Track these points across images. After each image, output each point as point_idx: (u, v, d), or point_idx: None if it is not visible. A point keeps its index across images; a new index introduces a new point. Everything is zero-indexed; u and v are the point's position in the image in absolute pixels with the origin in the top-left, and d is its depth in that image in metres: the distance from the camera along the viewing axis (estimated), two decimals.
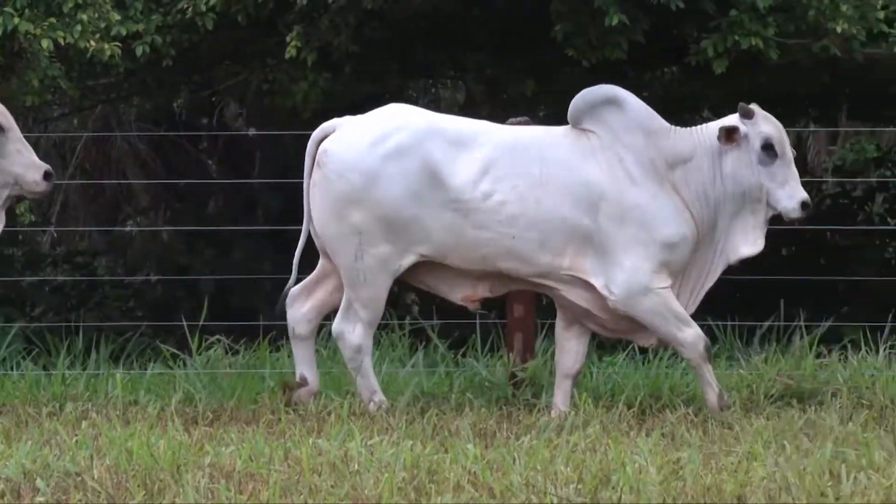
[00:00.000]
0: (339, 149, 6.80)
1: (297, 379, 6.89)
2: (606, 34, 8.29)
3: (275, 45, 9.07)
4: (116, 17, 8.33)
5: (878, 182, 11.58)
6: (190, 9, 8.52)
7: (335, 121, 6.88)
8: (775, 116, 8.11)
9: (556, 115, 8.97)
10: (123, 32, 8.45)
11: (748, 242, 6.91)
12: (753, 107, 6.81)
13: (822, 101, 10.52)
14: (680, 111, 10.39)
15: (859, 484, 5.04)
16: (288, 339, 7.22)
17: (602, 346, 8.63)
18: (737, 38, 8.41)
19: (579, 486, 5.06)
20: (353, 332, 6.81)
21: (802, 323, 8.19)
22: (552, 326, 7.69)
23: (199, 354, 7.96)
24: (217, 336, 8.15)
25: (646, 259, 6.76)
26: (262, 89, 9.66)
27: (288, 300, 6.88)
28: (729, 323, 8.37)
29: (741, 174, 6.81)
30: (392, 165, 6.72)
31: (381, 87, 9.96)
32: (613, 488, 5.02)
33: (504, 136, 6.86)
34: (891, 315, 8.42)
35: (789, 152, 6.88)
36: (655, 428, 6.41)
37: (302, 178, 6.87)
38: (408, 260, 6.78)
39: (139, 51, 8.64)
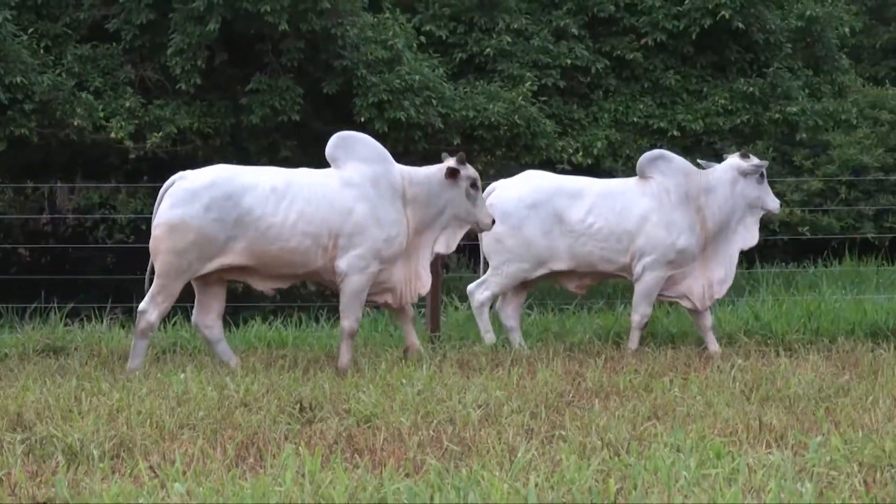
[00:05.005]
0: (499, 202, 8.66)
1: None
2: None
3: None
4: None
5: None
6: None
7: (493, 184, 8.83)
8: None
9: None
10: None
11: (748, 236, 8.82)
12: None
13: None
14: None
15: (93, 405, 6.04)
16: None
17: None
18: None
19: None
20: (483, 293, 8.81)
21: (55, 305, 9.49)
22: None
23: None
24: None
25: (661, 255, 8.64)
26: None
27: None
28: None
29: (748, 193, 8.73)
30: (533, 213, 8.66)
31: None
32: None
33: (600, 188, 8.76)
34: (111, 297, 10.00)
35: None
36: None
37: None
38: (539, 273, 8.73)
39: None
